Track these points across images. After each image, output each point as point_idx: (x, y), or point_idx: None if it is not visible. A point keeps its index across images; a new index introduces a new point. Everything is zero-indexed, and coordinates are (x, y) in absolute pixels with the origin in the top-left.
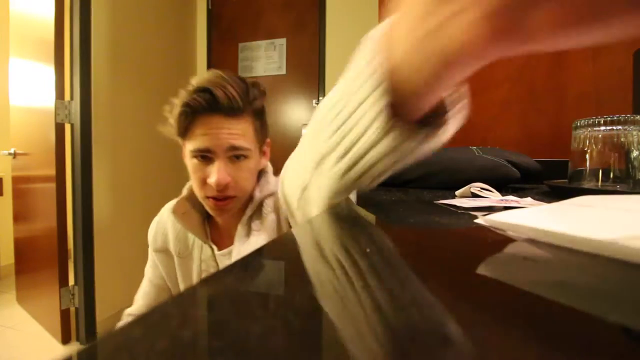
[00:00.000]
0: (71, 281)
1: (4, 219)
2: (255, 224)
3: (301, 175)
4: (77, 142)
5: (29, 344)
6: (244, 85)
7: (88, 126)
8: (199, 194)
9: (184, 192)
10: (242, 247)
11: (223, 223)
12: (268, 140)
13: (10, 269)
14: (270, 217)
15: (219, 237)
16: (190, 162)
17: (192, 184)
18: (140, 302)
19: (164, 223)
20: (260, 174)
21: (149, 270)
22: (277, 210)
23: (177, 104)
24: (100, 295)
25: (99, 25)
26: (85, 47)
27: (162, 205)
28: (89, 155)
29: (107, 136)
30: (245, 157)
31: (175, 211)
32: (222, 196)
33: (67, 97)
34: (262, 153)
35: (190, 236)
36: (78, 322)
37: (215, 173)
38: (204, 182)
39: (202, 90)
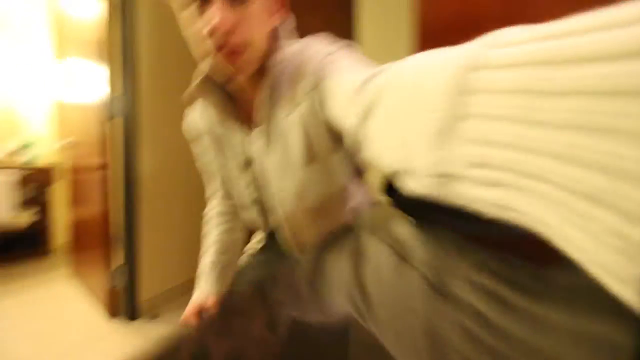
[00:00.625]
0: (119, 261)
1: (60, 203)
2: (280, 100)
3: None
4: (124, 134)
5: (79, 318)
6: None
7: (135, 119)
8: (201, 51)
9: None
10: (269, 127)
11: (244, 95)
12: None
13: (65, 247)
14: (302, 105)
15: (246, 118)
16: (186, 18)
17: (196, 46)
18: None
19: (198, 111)
20: (277, 33)
21: (200, 165)
22: (310, 88)
23: None
24: (146, 275)
25: (145, 25)
26: (131, 45)
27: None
28: (135, 146)
29: (152, 128)
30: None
31: (193, 93)
32: (229, 46)
33: (116, 92)
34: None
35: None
36: (124, 300)
37: (212, 14)
38: (205, 37)
39: None
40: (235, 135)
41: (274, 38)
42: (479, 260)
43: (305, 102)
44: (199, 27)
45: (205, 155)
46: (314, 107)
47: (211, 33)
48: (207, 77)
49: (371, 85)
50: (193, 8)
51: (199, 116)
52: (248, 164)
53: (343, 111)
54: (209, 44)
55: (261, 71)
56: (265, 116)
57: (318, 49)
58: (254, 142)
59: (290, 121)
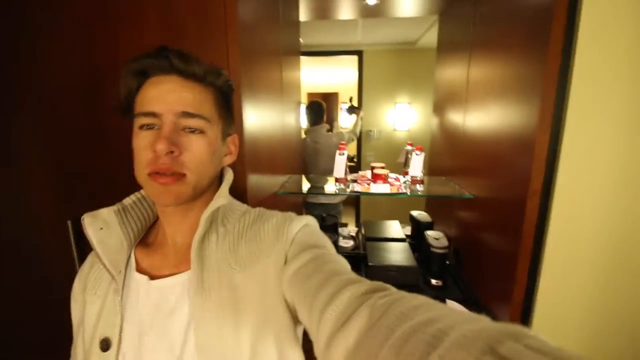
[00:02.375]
0: None
1: None
2: (227, 248)
3: None
4: None
5: None
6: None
7: None
8: (140, 175)
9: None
10: (207, 273)
11: (168, 225)
12: (235, 135)
13: None
14: (264, 262)
15: (154, 259)
16: (135, 138)
17: (135, 165)
18: None
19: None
20: (221, 178)
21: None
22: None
23: (123, 72)
24: None
25: None
26: None
27: None
28: None
29: None
30: (202, 132)
31: (86, 219)
32: (166, 170)
33: None
34: (227, 149)
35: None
36: None
37: (160, 136)
38: (147, 157)
39: (153, 51)
40: (107, 286)
41: (216, 176)
42: None
43: (270, 260)
44: (143, 146)
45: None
46: (277, 269)
47: (155, 153)
48: (121, 209)
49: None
50: (144, 129)
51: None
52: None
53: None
54: (150, 164)
55: (193, 207)
56: (198, 260)
57: (284, 214)
58: (165, 290)
59: (246, 277)
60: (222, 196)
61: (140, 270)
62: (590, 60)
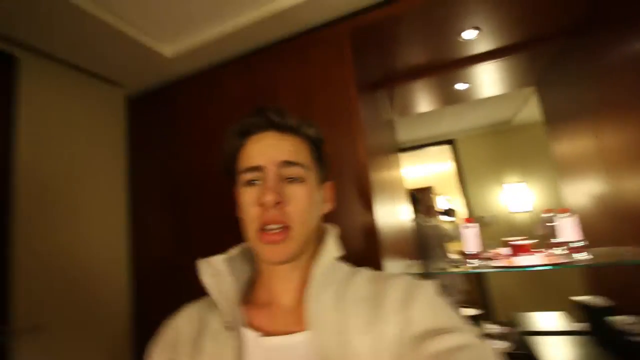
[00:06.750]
0: None
1: None
2: (347, 311)
3: None
4: None
5: None
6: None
7: None
8: (250, 232)
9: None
10: (325, 335)
11: (276, 283)
12: (331, 183)
13: None
14: (388, 327)
15: (262, 318)
16: (241, 195)
17: (244, 223)
18: None
19: (178, 317)
20: (325, 235)
21: None
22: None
23: (228, 135)
24: None
25: None
26: None
27: None
28: None
29: None
30: (302, 180)
31: (203, 268)
32: (274, 221)
33: None
34: (324, 196)
35: (211, 320)
36: None
37: (265, 188)
38: (254, 212)
39: (254, 112)
40: (214, 344)
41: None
42: None
43: (393, 326)
44: (250, 202)
45: None
46: (405, 333)
47: (263, 204)
48: (229, 258)
49: None
50: (249, 185)
51: (173, 327)
52: None
53: None
54: (260, 220)
55: (301, 264)
56: (315, 320)
57: (405, 276)
58: (279, 353)
59: (368, 340)
60: (331, 249)
61: (249, 326)
62: None
